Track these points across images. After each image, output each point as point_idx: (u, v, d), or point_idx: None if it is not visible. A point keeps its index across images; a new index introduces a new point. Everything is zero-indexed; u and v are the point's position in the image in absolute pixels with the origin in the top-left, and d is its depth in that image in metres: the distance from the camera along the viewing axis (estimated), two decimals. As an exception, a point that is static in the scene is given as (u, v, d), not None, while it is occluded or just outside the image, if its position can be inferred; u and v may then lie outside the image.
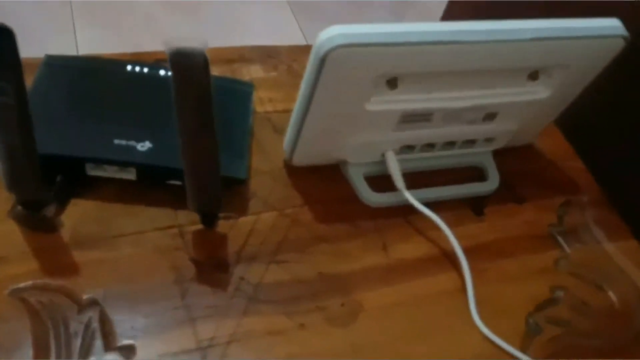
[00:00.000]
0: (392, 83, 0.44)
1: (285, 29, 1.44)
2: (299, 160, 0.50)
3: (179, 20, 1.40)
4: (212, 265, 0.45)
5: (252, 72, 0.60)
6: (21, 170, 0.39)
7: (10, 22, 0.34)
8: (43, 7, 1.33)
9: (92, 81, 0.51)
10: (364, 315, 0.44)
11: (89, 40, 1.30)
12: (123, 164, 0.45)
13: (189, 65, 0.34)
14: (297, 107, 0.46)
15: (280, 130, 0.55)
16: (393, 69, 0.42)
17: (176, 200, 0.46)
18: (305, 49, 0.67)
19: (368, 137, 0.49)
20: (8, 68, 0.34)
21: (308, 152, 0.50)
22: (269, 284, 0.44)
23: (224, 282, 0.44)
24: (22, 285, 0.40)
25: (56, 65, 0.51)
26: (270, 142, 0.54)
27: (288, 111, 0.57)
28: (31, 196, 0.41)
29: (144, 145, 0.46)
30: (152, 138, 0.46)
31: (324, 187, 0.52)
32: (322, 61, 0.40)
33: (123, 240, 0.44)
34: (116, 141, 0.45)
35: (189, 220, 0.46)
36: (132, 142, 0.45)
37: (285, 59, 0.62)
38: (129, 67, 0.52)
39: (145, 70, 0.52)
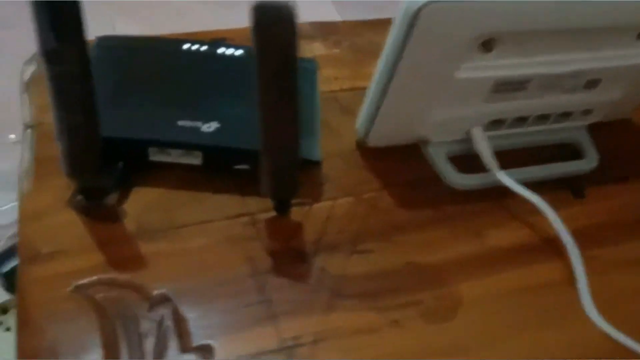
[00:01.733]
0: (487, 45, 0.39)
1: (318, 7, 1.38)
2: (374, 140, 0.46)
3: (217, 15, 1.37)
4: (289, 255, 0.40)
5: (313, 50, 0.56)
6: (83, 153, 0.35)
7: None
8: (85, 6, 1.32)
9: (147, 61, 0.47)
10: (463, 310, 0.39)
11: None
12: (189, 147, 0.41)
13: (274, 20, 0.30)
14: (375, 80, 0.41)
15: (348, 110, 0.50)
16: (491, 27, 0.37)
17: (244, 186, 0.42)
18: (368, 24, 0.63)
19: (455, 111, 0.44)
20: (72, 34, 0.30)
21: (386, 131, 0.45)
22: (353, 275, 0.40)
23: (304, 274, 0.40)
24: (86, 280, 0.36)
25: (109, 47, 0.48)
26: (338, 122, 0.49)
27: (355, 89, 0.53)
28: (93, 183, 0.37)
29: (210, 126, 0.42)
30: (218, 118, 0.42)
31: (401, 169, 0.47)
32: (413, 20, 0.35)
33: (191, 230, 0.40)
34: (180, 122, 0.41)
35: (259, 207, 0.42)
36: (197, 123, 0.42)
37: (347, 35, 0.58)
38: (184, 46, 0.48)
39: (203, 48, 0.48)
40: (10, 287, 0.72)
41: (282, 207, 0.41)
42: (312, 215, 0.43)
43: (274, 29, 0.30)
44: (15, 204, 0.83)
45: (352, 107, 0.50)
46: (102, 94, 0.43)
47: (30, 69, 0.49)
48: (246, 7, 0.30)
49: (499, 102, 0.43)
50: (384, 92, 0.41)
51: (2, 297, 0.74)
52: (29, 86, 0.47)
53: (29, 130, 0.44)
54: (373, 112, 0.43)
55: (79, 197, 0.39)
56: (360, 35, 0.57)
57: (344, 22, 0.59)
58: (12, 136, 0.91)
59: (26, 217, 0.39)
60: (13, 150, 0.92)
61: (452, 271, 0.41)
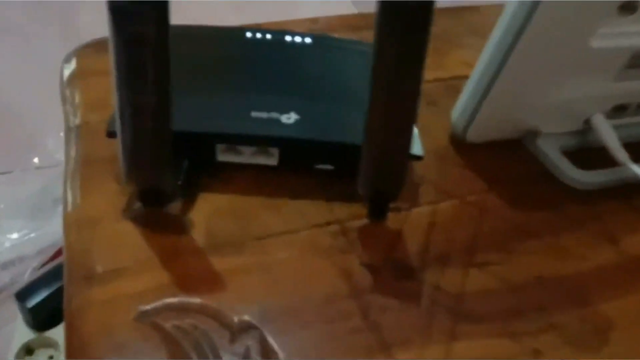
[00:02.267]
0: (629, 6, 0.33)
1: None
2: (474, 135, 0.39)
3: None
4: (392, 270, 0.33)
5: None
6: (151, 147, 0.28)
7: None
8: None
9: (209, 50, 0.40)
10: (617, 334, 0.32)
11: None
12: (266, 141, 0.34)
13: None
14: (482, 65, 0.35)
15: (433, 103, 0.44)
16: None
17: (327, 189, 0.36)
18: (443, 12, 0.57)
19: (578, 91, 0.37)
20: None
21: (490, 123, 0.39)
22: (474, 294, 0.33)
23: (413, 293, 0.32)
24: (151, 306, 0.29)
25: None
26: (424, 116, 0.43)
27: (439, 80, 0.47)
28: (158, 185, 0.31)
29: (290, 117, 0.35)
30: (297, 108, 0.36)
31: (505, 166, 0.40)
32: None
33: (271, 241, 0.34)
34: (254, 114, 0.35)
35: (348, 213, 0.35)
36: (274, 114, 0.35)
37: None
38: (248, 34, 0.42)
39: (268, 36, 0.42)
40: (37, 323, 0.65)
41: (379, 211, 0.34)
42: (412, 222, 0.36)
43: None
44: (40, 232, 0.77)
45: (437, 100, 0.43)
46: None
47: (71, 67, 0.43)
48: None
49: (630, 81, 0.36)
50: (493, 77, 0.35)
51: (27, 336, 0.67)
52: (70, 83, 0.41)
53: (73, 130, 0.38)
54: (476, 102, 0.37)
55: (138, 204, 0.33)
56: (434, 24, 0.52)
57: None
58: (36, 160, 0.85)
59: (74, 229, 0.32)
60: (37, 175, 0.88)
61: (591, 286, 0.34)
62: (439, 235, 0.35)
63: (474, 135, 0.39)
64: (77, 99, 0.40)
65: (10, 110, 1.01)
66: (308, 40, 0.42)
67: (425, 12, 0.27)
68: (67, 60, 0.43)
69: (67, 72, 0.42)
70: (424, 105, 0.42)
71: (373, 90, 0.29)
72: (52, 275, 0.69)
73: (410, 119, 0.29)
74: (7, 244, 0.73)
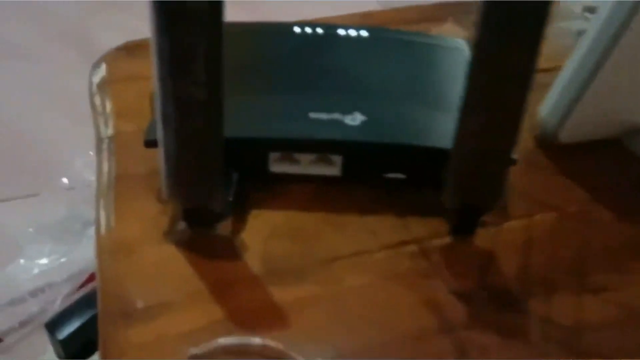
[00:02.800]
0: None
1: None
2: (569, 135, 0.34)
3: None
4: (488, 299, 0.28)
5: (446, 33, 0.45)
6: (200, 158, 0.23)
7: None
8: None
9: (256, 47, 0.35)
10: None
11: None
12: (327, 147, 0.29)
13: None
14: (582, 55, 0.30)
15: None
16: None
17: (399, 202, 0.30)
18: None
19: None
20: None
21: (587, 121, 0.33)
22: (594, 326, 0.26)
23: (518, 328, 0.27)
24: (203, 348, 0.24)
25: None
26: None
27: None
28: (207, 202, 0.25)
29: (354, 118, 0.30)
30: (363, 108, 0.30)
31: (606, 169, 0.34)
32: None
33: (339, 266, 0.28)
34: (312, 115, 0.30)
35: (427, 230, 0.30)
36: (336, 115, 0.30)
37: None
38: (297, 29, 0.38)
39: (319, 30, 0.38)
40: (69, 356, 0.60)
41: (467, 226, 0.29)
42: (504, 239, 0.30)
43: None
44: (70, 257, 0.73)
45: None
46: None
47: (100, 72, 0.39)
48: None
49: None
50: (596, 67, 0.30)
51: (58, 370, 0.63)
52: (100, 89, 0.37)
53: (105, 142, 0.34)
54: (571, 99, 0.31)
55: (182, 226, 0.28)
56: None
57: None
58: (65, 180, 0.82)
59: (108, 255, 0.27)
60: (66, 197, 0.85)
61: None
62: (539, 254, 0.29)
63: (567, 135, 0.33)
64: (109, 107, 0.35)
65: (36, 131, 0.99)
66: (364, 33, 0.37)
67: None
68: (96, 65, 0.39)
69: (96, 79, 0.38)
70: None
71: (471, 87, 0.24)
72: (85, 303, 0.64)
73: (517, 119, 0.24)
74: (35, 270, 0.69)
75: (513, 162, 0.30)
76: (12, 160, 0.93)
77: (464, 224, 0.28)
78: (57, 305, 0.67)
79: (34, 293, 0.69)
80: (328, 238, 0.29)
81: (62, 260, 0.70)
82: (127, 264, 0.27)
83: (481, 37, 0.23)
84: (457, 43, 0.38)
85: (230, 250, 0.28)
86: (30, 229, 0.77)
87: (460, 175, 0.25)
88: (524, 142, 0.35)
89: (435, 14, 0.45)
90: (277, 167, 0.30)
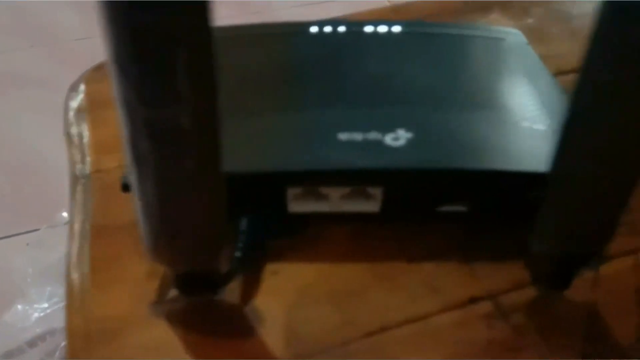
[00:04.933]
0: None
1: None
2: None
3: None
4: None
5: (494, 23, 0.38)
6: (192, 206, 0.17)
7: None
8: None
9: (264, 54, 0.28)
10: None
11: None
12: (364, 177, 0.22)
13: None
14: None
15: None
16: None
17: (462, 243, 0.23)
18: None
19: None
20: None
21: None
22: None
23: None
24: None
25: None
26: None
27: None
28: (205, 265, 0.19)
29: (397, 137, 0.23)
30: (408, 123, 0.23)
31: None
32: None
33: (392, 337, 0.21)
34: (342, 136, 0.23)
35: (504, 281, 0.23)
36: (373, 134, 0.23)
37: (532, 3, 0.40)
38: (313, 29, 0.31)
39: (341, 29, 0.31)
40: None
41: (563, 278, 0.22)
42: (609, 287, 0.23)
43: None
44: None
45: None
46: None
47: (78, 98, 0.33)
48: None
49: None
50: None
51: None
52: (77, 118, 0.31)
53: (81, 183, 0.28)
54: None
55: (174, 294, 0.22)
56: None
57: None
58: (65, 215, 0.77)
59: (83, 343, 0.21)
60: (67, 231, 0.79)
61: None
62: (659, 306, 0.22)
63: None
64: (86, 138, 0.29)
65: (32, 163, 0.95)
66: (397, 28, 0.30)
67: None
68: (73, 88, 0.33)
69: (73, 104, 0.32)
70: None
71: (593, 88, 0.17)
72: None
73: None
74: (35, 316, 0.63)
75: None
76: (10, 194, 0.88)
77: (558, 275, 0.21)
78: (58, 355, 0.61)
79: (33, 343, 0.63)
80: (372, 300, 0.22)
81: (63, 304, 0.64)
82: (107, 353, 0.20)
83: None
84: (513, 34, 0.31)
85: (241, 324, 0.21)
86: (30, 269, 0.71)
87: (566, 211, 0.18)
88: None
89: (476, 4, 0.38)
90: (299, 206, 0.23)
